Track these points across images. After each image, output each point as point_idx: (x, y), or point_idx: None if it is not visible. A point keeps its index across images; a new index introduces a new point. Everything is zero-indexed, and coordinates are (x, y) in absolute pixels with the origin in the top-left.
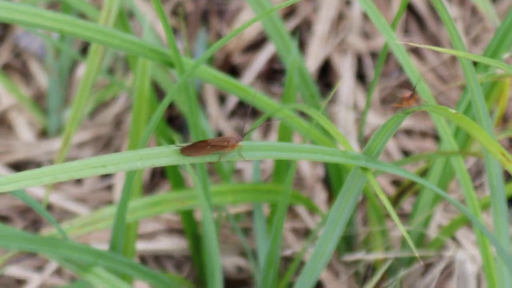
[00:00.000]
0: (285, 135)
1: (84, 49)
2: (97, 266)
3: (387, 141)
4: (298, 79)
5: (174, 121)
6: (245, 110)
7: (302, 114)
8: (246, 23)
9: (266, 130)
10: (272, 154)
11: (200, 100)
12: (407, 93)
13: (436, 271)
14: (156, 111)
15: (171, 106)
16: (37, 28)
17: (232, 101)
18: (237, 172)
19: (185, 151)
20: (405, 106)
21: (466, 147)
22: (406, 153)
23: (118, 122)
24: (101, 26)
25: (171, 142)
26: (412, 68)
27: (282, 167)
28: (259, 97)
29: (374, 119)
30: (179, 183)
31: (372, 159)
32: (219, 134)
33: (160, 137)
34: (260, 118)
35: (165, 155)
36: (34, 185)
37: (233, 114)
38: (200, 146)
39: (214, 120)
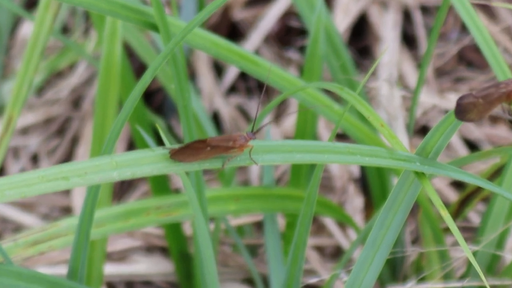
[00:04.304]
0: (307, 122)
1: (30, 2)
2: None
3: (450, 137)
4: (324, 44)
5: (153, 98)
6: (248, 84)
7: (327, 91)
8: None
9: (279, 112)
10: (294, 157)
11: (189, 69)
12: None
13: None
14: (133, 91)
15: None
16: None
17: (232, 73)
18: (242, 170)
19: (176, 155)
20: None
21: None
22: (471, 144)
23: (76, 99)
24: None
25: (151, 128)
26: (480, 27)
27: (302, 165)
28: (272, 70)
29: (427, 98)
30: (162, 184)
31: (429, 161)
32: (215, 115)
33: (136, 122)
34: (272, 96)
35: (149, 161)
36: None
37: (233, 89)
38: (196, 148)
39: (207, 97)
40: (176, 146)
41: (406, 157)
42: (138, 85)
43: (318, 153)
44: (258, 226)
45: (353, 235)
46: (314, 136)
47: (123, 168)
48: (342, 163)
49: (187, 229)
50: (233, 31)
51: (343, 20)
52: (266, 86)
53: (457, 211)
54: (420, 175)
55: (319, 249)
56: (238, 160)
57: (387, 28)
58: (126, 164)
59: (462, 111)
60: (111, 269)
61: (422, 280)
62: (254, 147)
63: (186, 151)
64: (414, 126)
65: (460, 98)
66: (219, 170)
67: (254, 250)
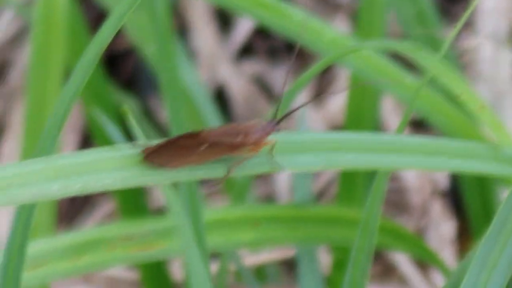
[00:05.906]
0: (364, 104)
1: None
2: None
3: None
4: None
5: (122, 66)
6: (271, 44)
7: (395, 55)
8: None
9: (320, 89)
10: (342, 160)
11: (178, 21)
12: None
13: None
14: (86, 51)
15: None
16: None
17: (245, 26)
18: (263, 179)
19: (153, 156)
20: None
21: None
22: None
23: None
24: None
25: (116, 112)
26: None
27: (356, 172)
28: (307, 22)
29: None
30: (134, 200)
31: None
32: (219, 91)
33: (93, 102)
34: (309, 63)
35: (111, 165)
36: None
37: (247, 52)
38: (185, 147)
39: (207, 63)
40: (154, 142)
41: None
42: (94, 42)
43: (380, 153)
44: (289, 266)
45: (439, 279)
46: (375, 125)
47: (69, 178)
48: (420, 169)
49: (175, 271)
50: None
51: None
52: (299, 48)
53: None
54: None
55: None
56: (252, 164)
57: None
58: (74, 170)
59: None
60: None
61: None
62: (277, 143)
63: (168, 151)
64: None
65: None
66: (222, 180)
67: None
